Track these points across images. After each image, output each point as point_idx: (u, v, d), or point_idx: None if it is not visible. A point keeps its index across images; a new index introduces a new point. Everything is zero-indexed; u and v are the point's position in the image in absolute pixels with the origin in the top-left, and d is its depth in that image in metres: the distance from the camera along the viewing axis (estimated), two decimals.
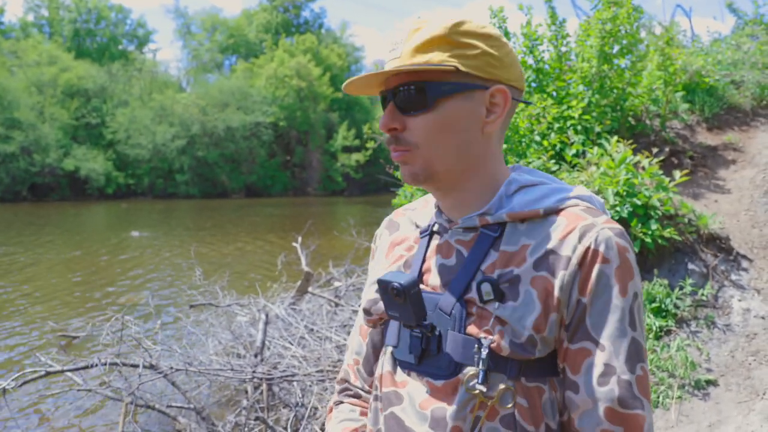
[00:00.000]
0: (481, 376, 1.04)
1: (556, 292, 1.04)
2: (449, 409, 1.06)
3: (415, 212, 1.31)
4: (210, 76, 52.99)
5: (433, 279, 1.15)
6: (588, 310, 1.04)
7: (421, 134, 1.09)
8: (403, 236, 1.28)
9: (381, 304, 1.20)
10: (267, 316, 5.71)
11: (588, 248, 1.04)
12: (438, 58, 1.06)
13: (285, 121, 44.95)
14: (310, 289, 6.89)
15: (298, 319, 5.99)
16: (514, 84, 1.13)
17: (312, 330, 5.73)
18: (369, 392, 1.32)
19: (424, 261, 1.18)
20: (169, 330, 7.46)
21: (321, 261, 9.32)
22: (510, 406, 1.04)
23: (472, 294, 1.08)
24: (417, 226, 1.27)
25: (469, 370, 1.06)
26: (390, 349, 1.18)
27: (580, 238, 1.05)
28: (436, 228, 1.21)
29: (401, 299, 1.06)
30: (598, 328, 1.03)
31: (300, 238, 8.10)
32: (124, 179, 39.63)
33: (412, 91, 1.07)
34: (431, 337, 1.10)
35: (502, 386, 1.04)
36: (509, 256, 1.09)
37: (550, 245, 1.07)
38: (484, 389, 1.04)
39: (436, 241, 1.19)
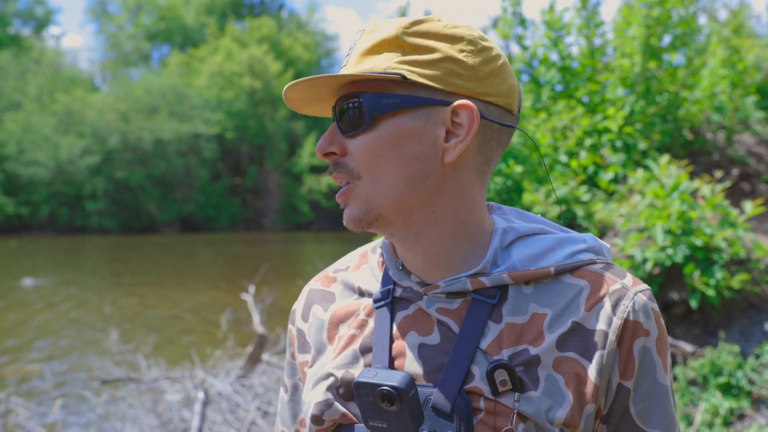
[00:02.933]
0: None
1: (593, 378, 1.07)
2: None
3: (350, 274, 1.30)
4: (133, 72, 53.22)
5: (411, 366, 1.13)
6: (632, 395, 1.09)
7: (360, 160, 1.11)
8: (346, 310, 1.26)
9: (336, 409, 1.16)
10: (206, 393, 5.66)
11: (626, 320, 1.08)
12: (383, 64, 1.09)
13: (234, 132, 45.09)
14: (264, 356, 6.86)
15: (249, 397, 5.94)
16: (493, 101, 1.12)
17: (267, 413, 5.68)
18: None
19: (391, 341, 1.16)
20: (73, 414, 7.35)
21: (280, 318, 9.27)
22: None
23: (476, 382, 1.08)
24: (363, 293, 1.25)
25: None
26: None
27: (614, 308, 1.09)
28: (399, 294, 1.19)
29: (395, 406, 1.04)
30: (646, 416, 1.09)
31: (252, 288, 8.07)
32: (14, 208, 39.33)
33: (350, 105, 1.11)
34: None
35: None
36: (518, 331, 1.10)
37: (575, 317, 1.09)
38: None
39: (403, 312, 1.18)
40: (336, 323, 1.25)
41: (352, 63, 1.12)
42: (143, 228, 41.86)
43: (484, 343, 1.10)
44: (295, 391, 1.33)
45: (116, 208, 41.49)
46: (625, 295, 1.10)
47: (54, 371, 9.20)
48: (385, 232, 1.16)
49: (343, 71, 1.12)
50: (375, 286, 1.24)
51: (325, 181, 43.91)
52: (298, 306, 1.35)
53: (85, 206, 40.92)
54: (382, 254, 1.27)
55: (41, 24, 55.17)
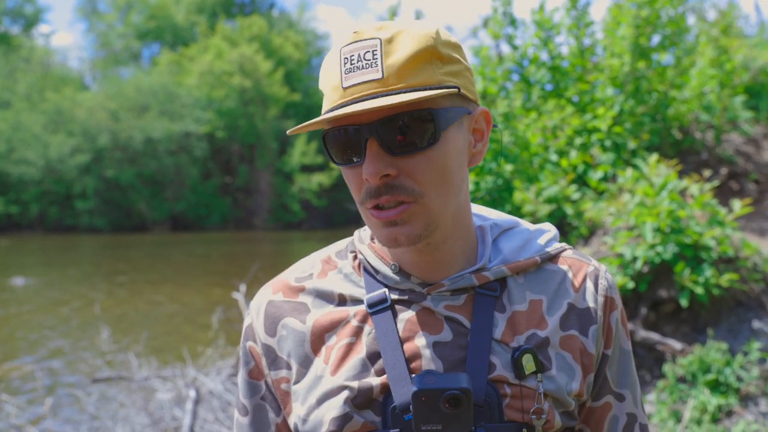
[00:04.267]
0: None
1: (591, 350, 1.22)
2: None
3: (319, 281, 1.28)
4: (124, 71, 53.00)
5: (430, 365, 1.16)
6: (609, 361, 1.25)
7: (425, 178, 1.09)
8: (329, 319, 1.23)
9: (357, 421, 1.15)
10: (197, 392, 5.67)
11: (605, 296, 1.25)
12: (435, 78, 1.09)
13: (224, 131, 44.97)
14: None
15: None
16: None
17: None
18: None
19: (401, 344, 1.17)
20: (64, 413, 7.34)
21: None
22: None
23: (499, 371, 1.15)
24: (345, 300, 1.24)
25: None
26: None
27: (596, 287, 1.26)
28: (396, 296, 1.20)
29: (461, 408, 1.08)
30: (618, 379, 1.27)
31: (243, 287, 8.07)
32: (3, 207, 39.12)
33: (415, 121, 1.07)
34: None
35: None
36: (524, 317, 1.21)
37: (569, 299, 1.24)
38: None
39: (405, 314, 1.19)
40: (320, 334, 1.22)
41: (395, 77, 1.06)
42: (134, 227, 41.69)
43: (497, 333, 1.18)
44: (258, 412, 1.28)
45: (106, 207, 41.30)
46: (599, 274, 1.27)
47: (45, 370, 9.17)
48: (430, 242, 1.16)
49: (382, 84, 1.06)
50: (358, 292, 1.23)
51: (316, 180, 43.85)
52: (255, 322, 1.29)
53: (75, 205, 40.71)
54: (356, 258, 1.28)
55: (30, 22, 54.82)
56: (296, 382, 1.22)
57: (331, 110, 1.09)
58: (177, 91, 44.08)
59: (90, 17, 56.86)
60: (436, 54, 1.09)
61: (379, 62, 1.06)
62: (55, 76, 47.80)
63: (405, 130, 1.07)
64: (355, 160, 1.11)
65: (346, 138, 1.10)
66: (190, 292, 16.71)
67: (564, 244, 1.31)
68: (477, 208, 1.35)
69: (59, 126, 41.20)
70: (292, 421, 1.23)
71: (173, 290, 17.07)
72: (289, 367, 1.23)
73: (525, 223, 1.33)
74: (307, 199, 45.58)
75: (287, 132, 1.14)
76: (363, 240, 1.29)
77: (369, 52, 1.07)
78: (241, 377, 1.31)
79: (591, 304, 1.23)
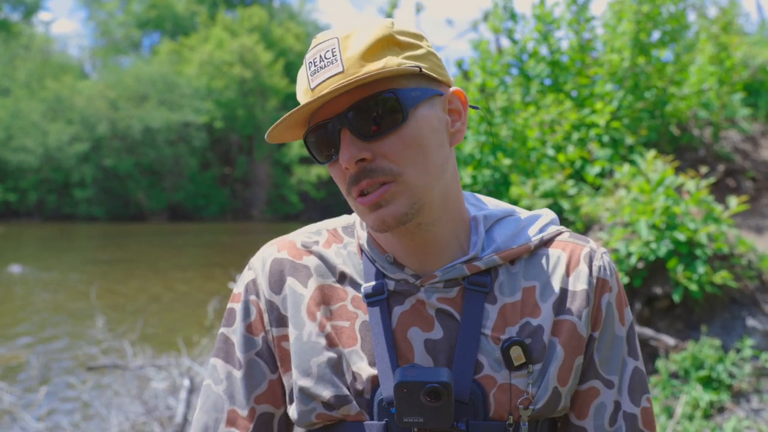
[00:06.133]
0: None
1: (583, 333, 1.21)
2: None
3: (324, 251, 1.29)
4: (123, 59, 52.89)
5: (420, 361, 1.18)
6: (596, 344, 1.23)
7: (398, 155, 1.12)
8: (329, 292, 1.25)
9: (354, 406, 1.18)
10: (192, 381, 5.68)
11: (598, 278, 1.24)
12: (394, 61, 1.11)
13: (223, 121, 44.93)
14: None
15: None
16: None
17: None
18: None
19: (392, 338, 1.18)
20: (58, 401, 7.35)
21: None
22: None
23: (486, 371, 1.17)
24: (344, 278, 1.25)
25: None
26: None
27: (590, 269, 1.24)
28: (392, 287, 1.22)
29: (441, 401, 1.10)
30: (606, 365, 1.23)
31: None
32: (1, 194, 39.10)
33: (380, 104, 1.10)
34: None
35: None
36: (516, 308, 1.21)
37: (561, 284, 1.23)
38: None
39: (400, 307, 1.21)
40: (318, 302, 1.24)
41: (354, 66, 1.10)
42: (131, 216, 41.68)
43: (488, 328, 1.19)
44: (252, 367, 1.26)
45: (104, 196, 41.30)
46: (595, 256, 1.26)
47: (40, 358, 9.18)
48: (420, 222, 1.17)
49: (343, 77, 1.09)
50: (357, 274, 1.25)
51: (315, 171, 43.84)
52: (260, 276, 1.29)
53: (74, 194, 40.70)
54: (359, 238, 1.28)
55: (31, 10, 54.63)
56: (292, 342, 1.23)
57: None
58: (176, 80, 43.99)
59: (90, 5, 56.65)
60: (392, 41, 1.13)
61: (338, 57, 1.10)
62: (55, 64, 47.67)
63: (372, 115, 1.10)
64: (334, 155, 1.14)
65: (324, 136, 1.13)
66: (187, 282, 16.73)
67: (561, 227, 1.30)
68: (475, 197, 1.35)
69: (58, 114, 41.13)
70: (287, 381, 1.24)
71: (169, 280, 17.08)
72: (287, 326, 1.24)
73: (522, 211, 1.33)
74: (306, 190, 45.58)
75: (266, 138, 1.16)
76: (363, 226, 1.30)
77: (329, 51, 1.11)
78: (234, 331, 1.28)
79: (584, 286, 1.22)
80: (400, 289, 1.21)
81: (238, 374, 1.26)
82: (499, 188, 6.57)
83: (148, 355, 7.03)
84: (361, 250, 1.27)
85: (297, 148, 45.14)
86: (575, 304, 1.21)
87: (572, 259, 1.25)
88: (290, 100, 48.51)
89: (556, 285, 1.22)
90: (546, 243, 1.27)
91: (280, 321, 1.26)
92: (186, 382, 5.63)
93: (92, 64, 55.39)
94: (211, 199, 44.81)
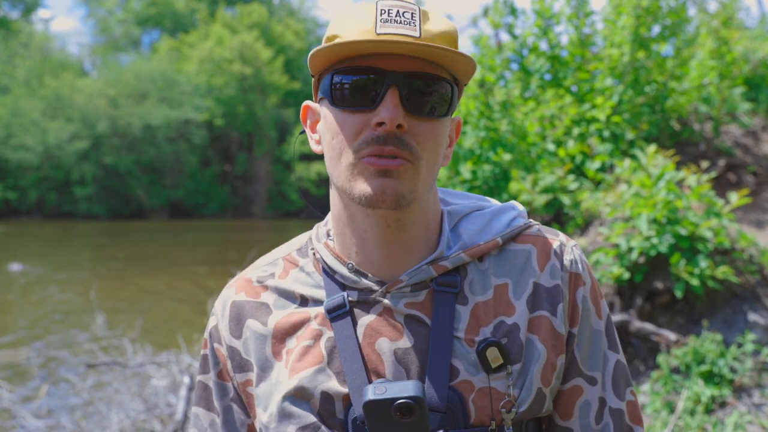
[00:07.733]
0: None
1: (561, 330, 1.17)
2: None
3: (280, 281, 1.24)
4: (123, 57, 52.84)
5: (389, 373, 1.13)
6: (576, 341, 1.18)
7: (427, 145, 1.10)
8: (290, 321, 1.20)
9: (323, 430, 1.12)
10: (192, 379, 5.67)
11: (570, 273, 1.20)
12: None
13: (223, 119, 44.90)
14: None
15: None
16: None
17: None
18: None
19: (361, 352, 1.14)
20: (59, 399, 7.35)
21: None
22: None
23: (462, 376, 1.12)
24: (306, 301, 1.21)
25: None
26: None
27: (561, 264, 1.20)
28: (355, 298, 1.17)
29: (413, 416, 1.04)
30: (587, 360, 1.19)
31: None
32: (1, 192, 39.12)
33: (437, 89, 1.09)
34: None
35: None
36: (489, 306, 1.16)
37: (534, 279, 1.19)
38: None
39: (365, 317, 1.16)
40: (282, 337, 1.19)
41: (430, 40, 1.08)
42: (132, 214, 41.68)
43: (460, 330, 1.14)
44: (228, 414, 1.25)
45: (105, 194, 41.28)
46: (565, 249, 1.22)
47: (40, 356, 9.19)
48: (400, 218, 1.14)
49: (419, 42, 1.04)
50: (319, 293, 1.20)
51: (315, 168, 43.81)
52: (220, 323, 1.26)
53: (74, 191, 40.68)
54: (315, 254, 1.24)
55: (30, 7, 54.61)
56: (257, 386, 1.19)
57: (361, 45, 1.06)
58: (176, 78, 43.98)
59: (90, 3, 56.61)
60: (456, 43, 1.13)
61: (417, 24, 1.08)
62: (55, 61, 47.66)
63: (426, 92, 1.09)
64: (369, 105, 1.08)
65: (367, 83, 1.08)
66: (187, 279, 16.72)
67: (530, 221, 1.26)
68: (443, 191, 1.31)
69: (58, 112, 41.11)
70: (258, 425, 1.20)
71: (170, 277, 17.08)
72: (251, 370, 1.21)
73: (489, 205, 1.28)
74: (306, 187, 45.57)
75: (309, 56, 1.10)
76: (320, 238, 1.26)
77: (408, 12, 1.08)
78: (209, 379, 1.27)
79: (556, 281, 1.18)
80: (364, 299, 1.16)
81: (219, 421, 1.26)
82: (499, 183, 6.56)
83: (148, 352, 7.02)
84: (320, 265, 1.23)
85: (297, 144, 44.99)
86: (549, 299, 1.17)
87: (543, 253, 1.20)
88: (290, 96, 48.53)
89: (529, 280, 1.18)
90: (515, 238, 1.23)
91: (243, 366, 1.22)
92: (186, 380, 5.62)
93: (92, 62, 55.39)
94: (211, 197, 44.80)
